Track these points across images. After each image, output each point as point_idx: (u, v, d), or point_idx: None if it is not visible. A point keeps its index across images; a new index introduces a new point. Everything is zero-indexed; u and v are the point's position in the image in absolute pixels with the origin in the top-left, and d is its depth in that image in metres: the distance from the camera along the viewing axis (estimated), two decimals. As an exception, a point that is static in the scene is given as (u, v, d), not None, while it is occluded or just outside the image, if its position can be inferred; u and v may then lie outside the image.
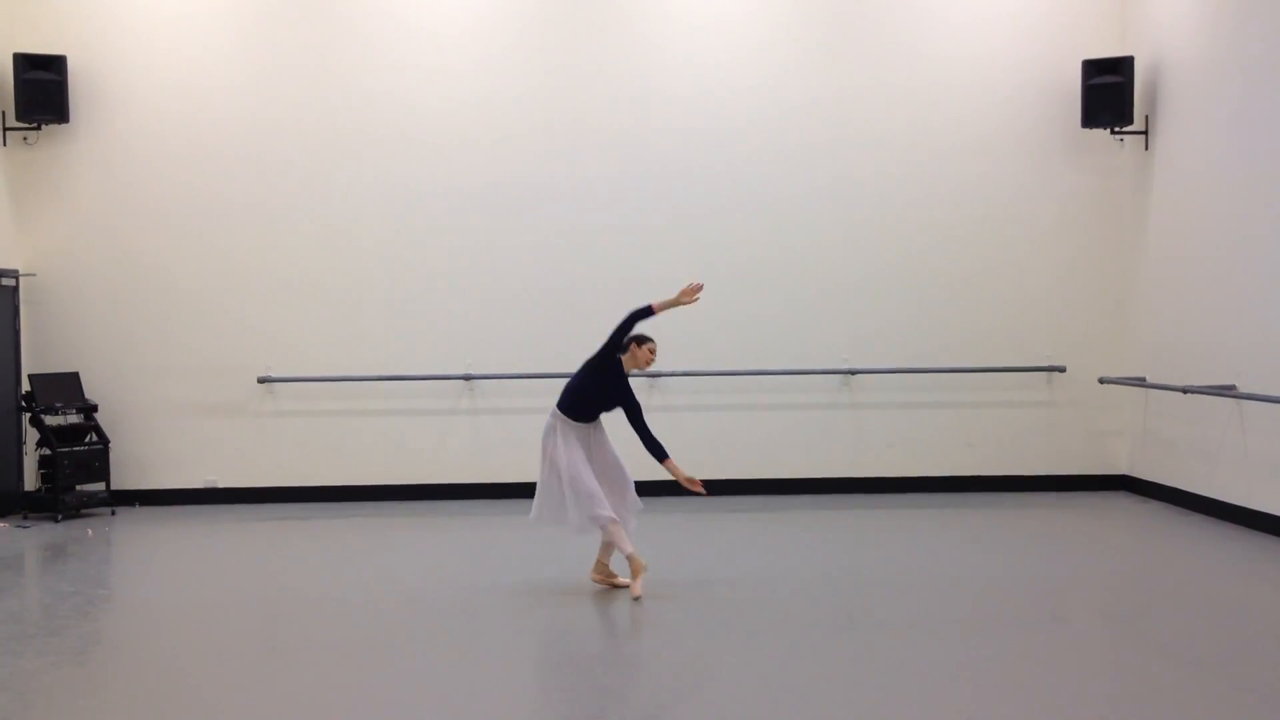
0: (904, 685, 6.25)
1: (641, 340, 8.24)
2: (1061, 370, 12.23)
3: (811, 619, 7.64)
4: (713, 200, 12.17)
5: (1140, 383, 11.65)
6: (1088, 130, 12.02)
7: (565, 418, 8.18)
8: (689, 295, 8.22)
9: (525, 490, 11.78)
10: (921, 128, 12.20)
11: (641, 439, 8.16)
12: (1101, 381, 12.05)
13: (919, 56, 12.21)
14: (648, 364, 8.30)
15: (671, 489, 11.93)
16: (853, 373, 12.19)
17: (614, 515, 8.03)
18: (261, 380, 12.04)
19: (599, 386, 8.18)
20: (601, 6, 12.25)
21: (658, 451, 8.16)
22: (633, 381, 8.29)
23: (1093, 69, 11.79)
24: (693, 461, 12.00)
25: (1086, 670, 6.55)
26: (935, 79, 12.20)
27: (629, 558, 8.04)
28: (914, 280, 12.22)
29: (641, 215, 12.16)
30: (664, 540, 10.21)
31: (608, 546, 8.24)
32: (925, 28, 12.23)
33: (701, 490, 8.29)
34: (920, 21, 12.23)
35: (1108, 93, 11.72)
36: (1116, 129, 11.91)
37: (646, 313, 8.12)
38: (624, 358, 8.21)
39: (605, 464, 8.25)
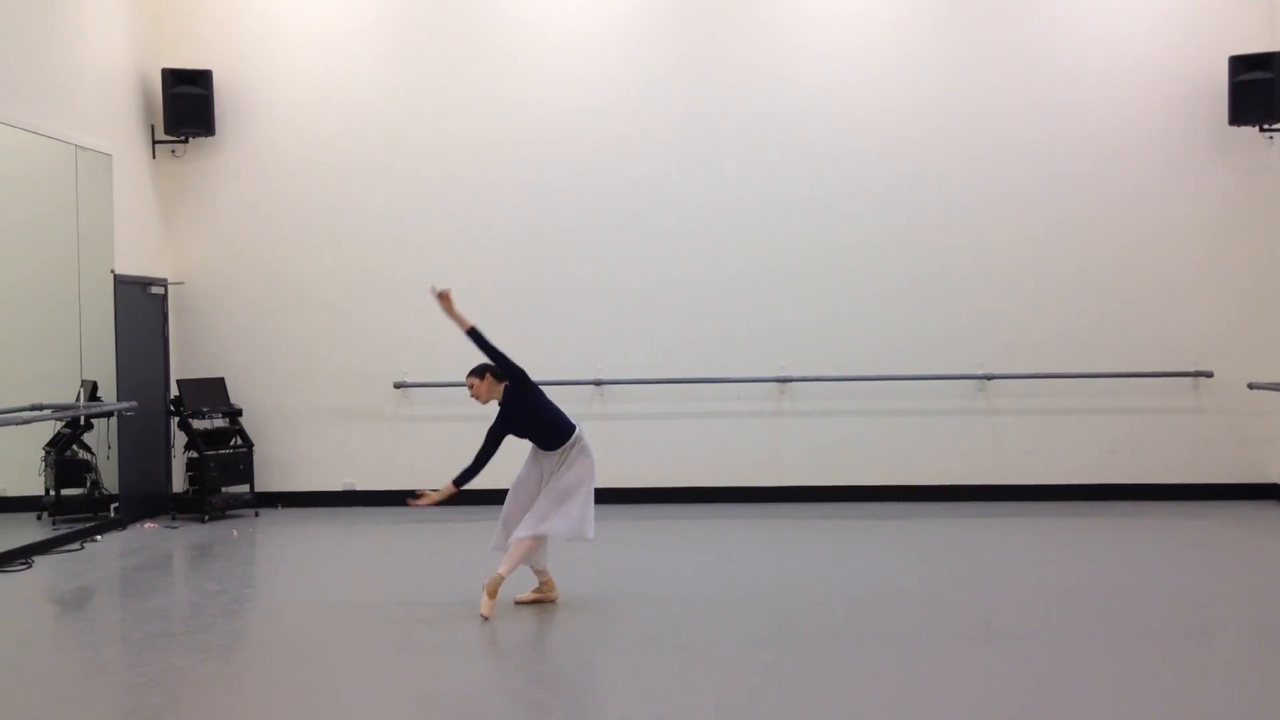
0: (1045, 698, 6.11)
1: None
2: (1209, 375, 11.85)
3: (949, 629, 7.52)
4: (840, 197, 12.04)
5: (1292, 389, 11.24)
6: (1235, 128, 11.64)
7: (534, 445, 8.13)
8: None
9: (654, 495, 11.98)
10: (1061, 126, 11.93)
11: (482, 346, 7.89)
12: (1251, 387, 11.62)
13: (1058, 48, 11.93)
14: (476, 401, 8.12)
15: (804, 494, 11.94)
16: (989, 378, 11.96)
17: (514, 537, 7.89)
18: (397, 385, 12.25)
19: (511, 428, 8.06)
20: (725, 6, 12.19)
21: (475, 337, 7.90)
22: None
23: (1240, 65, 11.42)
24: (824, 467, 12.06)
25: (1236, 685, 6.33)
26: (1076, 73, 11.92)
27: (499, 576, 7.84)
28: (1052, 281, 11.95)
29: (774, 216, 12.08)
30: (795, 547, 10.15)
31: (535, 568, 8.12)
32: (1066, 19, 11.95)
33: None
34: (1060, 13, 11.96)
35: (1256, 89, 11.35)
36: (1266, 126, 11.52)
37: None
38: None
39: (554, 486, 7.97)
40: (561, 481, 7.96)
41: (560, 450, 8.01)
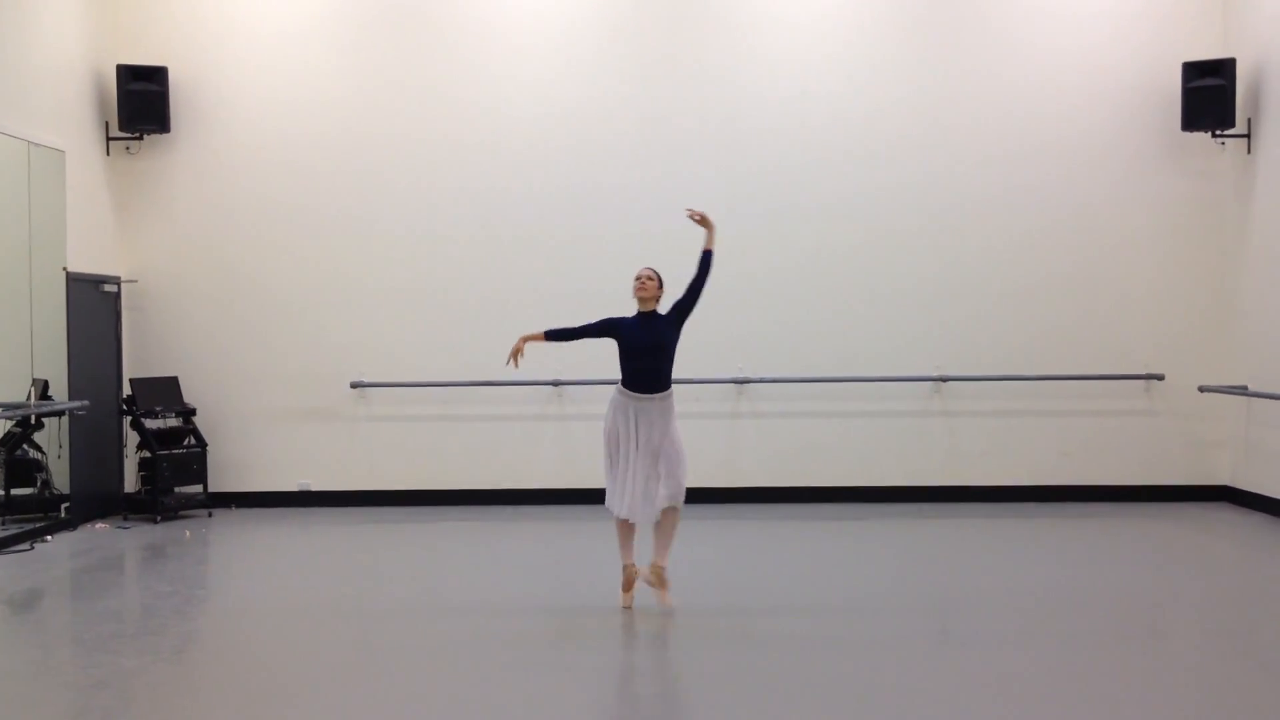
0: (999, 701, 6.15)
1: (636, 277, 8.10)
2: (1160, 378, 11.98)
3: (903, 633, 7.54)
4: (801, 203, 12.08)
5: (1242, 391, 11.36)
6: (1188, 133, 11.77)
7: (624, 390, 8.01)
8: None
9: (614, 496, 11.94)
10: (1017, 130, 12.02)
11: (705, 273, 8.11)
12: (1201, 390, 11.77)
13: (1015, 58, 12.03)
14: (640, 292, 8.08)
15: (761, 495, 11.97)
16: (944, 379, 12.04)
17: (621, 515, 7.84)
18: (354, 385, 12.18)
19: (631, 344, 7.99)
20: (689, 10, 12.22)
21: (708, 259, 8.15)
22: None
23: (1193, 71, 11.55)
24: (782, 469, 12.11)
25: (1187, 687, 6.40)
26: (1032, 81, 12.01)
27: (661, 566, 7.87)
28: (1008, 286, 12.04)
29: (734, 220, 11.87)
30: (753, 551, 10.17)
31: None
32: (1022, 28, 12.05)
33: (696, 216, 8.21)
34: (1017, 22, 12.05)
35: (1209, 95, 11.46)
36: (1218, 132, 11.65)
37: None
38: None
39: (657, 445, 7.91)
40: (675, 449, 7.94)
41: (659, 396, 7.92)
